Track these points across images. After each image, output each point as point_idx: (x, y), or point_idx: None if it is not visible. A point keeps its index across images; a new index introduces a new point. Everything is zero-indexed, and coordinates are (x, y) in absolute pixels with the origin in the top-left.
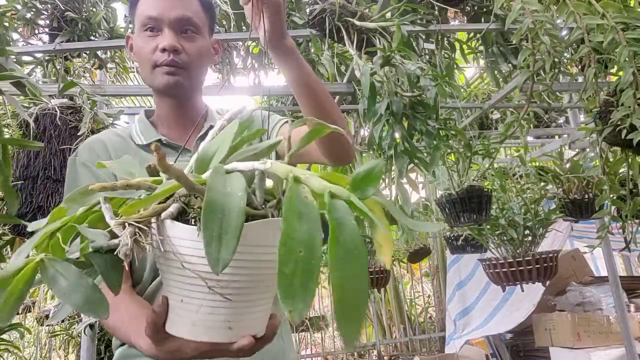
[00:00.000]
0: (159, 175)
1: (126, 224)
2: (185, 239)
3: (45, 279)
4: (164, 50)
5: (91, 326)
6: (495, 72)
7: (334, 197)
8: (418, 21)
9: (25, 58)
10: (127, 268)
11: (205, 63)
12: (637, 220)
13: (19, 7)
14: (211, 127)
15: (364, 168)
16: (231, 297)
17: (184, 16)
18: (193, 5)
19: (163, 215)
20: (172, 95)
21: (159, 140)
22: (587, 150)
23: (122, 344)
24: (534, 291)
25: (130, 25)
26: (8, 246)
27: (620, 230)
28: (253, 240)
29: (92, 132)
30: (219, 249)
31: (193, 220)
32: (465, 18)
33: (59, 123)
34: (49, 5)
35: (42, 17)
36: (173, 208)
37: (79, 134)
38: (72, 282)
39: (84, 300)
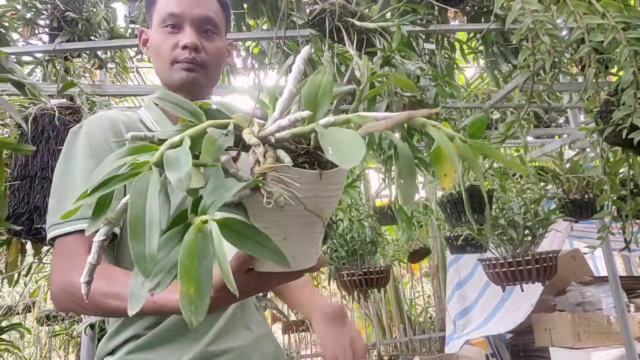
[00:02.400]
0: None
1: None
2: (306, 183)
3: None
4: (185, 47)
5: (91, 326)
6: (495, 72)
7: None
8: (418, 21)
9: (25, 58)
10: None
11: (221, 64)
12: (637, 221)
13: (19, 7)
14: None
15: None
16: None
17: (206, 15)
18: (213, 5)
19: (287, 162)
20: (187, 92)
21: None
22: (588, 150)
23: (110, 353)
24: (532, 291)
25: (132, 25)
26: (5, 246)
27: (620, 231)
28: (335, 179)
29: None
30: (409, 188)
31: (306, 165)
32: (465, 18)
33: (58, 123)
34: (49, 5)
35: (42, 17)
36: (286, 156)
37: None
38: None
39: (270, 249)
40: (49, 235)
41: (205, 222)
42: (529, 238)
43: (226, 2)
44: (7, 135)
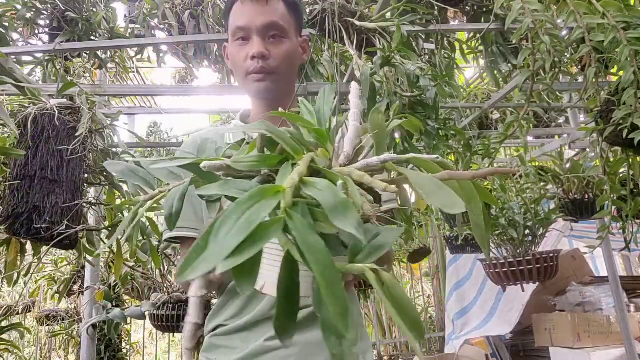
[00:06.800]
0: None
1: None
2: None
3: None
4: (253, 57)
5: (93, 326)
6: (495, 72)
7: None
8: (418, 21)
9: (25, 58)
10: None
11: (294, 64)
12: (637, 221)
13: (19, 7)
14: None
15: None
16: None
17: (270, 22)
18: (279, 8)
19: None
20: (263, 100)
21: (243, 140)
22: (588, 150)
23: (213, 330)
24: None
25: (132, 26)
26: (4, 246)
27: (620, 230)
28: None
29: (91, 132)
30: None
31: None
32: (465, 18)
33: (57, 123)
34: (49, 5)
35: (42, 17)
36: (367, 195)
37: (76, 134)
38: None
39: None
40: (165, 236)
41: (374, 270)
42: (530, 238)
43: (294, 1)
44: (7, 135)
